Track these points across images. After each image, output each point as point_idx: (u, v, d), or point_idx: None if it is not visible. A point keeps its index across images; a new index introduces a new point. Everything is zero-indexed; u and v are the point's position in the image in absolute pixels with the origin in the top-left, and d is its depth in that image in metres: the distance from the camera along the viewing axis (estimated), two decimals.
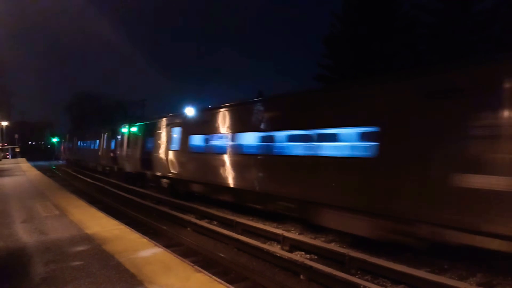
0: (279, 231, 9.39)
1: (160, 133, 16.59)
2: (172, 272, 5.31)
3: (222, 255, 8.40)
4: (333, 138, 8.85)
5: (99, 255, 6.09)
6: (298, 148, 9.45)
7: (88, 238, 7.18)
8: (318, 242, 8.69)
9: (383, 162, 7.19)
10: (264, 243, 9.20)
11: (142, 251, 6.33)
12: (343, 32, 29.11)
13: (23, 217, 9.40)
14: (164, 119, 16.44)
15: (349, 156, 8.13)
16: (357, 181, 7.69)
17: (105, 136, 26.57)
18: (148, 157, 17.76)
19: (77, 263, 5.74)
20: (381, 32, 25.74)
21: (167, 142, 15.76)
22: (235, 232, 10.09)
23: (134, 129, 20.63)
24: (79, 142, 36.94)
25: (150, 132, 17.88)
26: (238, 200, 11.91)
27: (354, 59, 26.77)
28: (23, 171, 25.81)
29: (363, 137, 8.10)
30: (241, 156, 11.40)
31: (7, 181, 19.02)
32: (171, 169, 15.38)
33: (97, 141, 28.76)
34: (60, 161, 48.99)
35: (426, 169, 6.42)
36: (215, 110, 12.89)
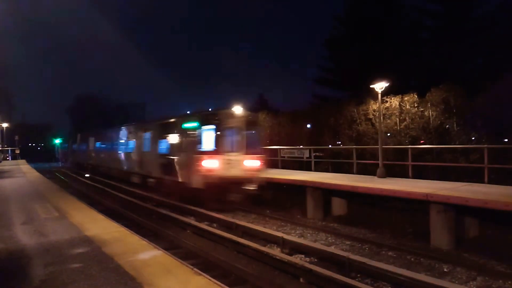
0: (279, 234, 9.38)
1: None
2: (172, 274, 5.30)
3: (222, 257, 8.39)
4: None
5: (99, 258, 6.08)
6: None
7: (87, 240, 7.17)
8: (318, 245, 8.68)
9: None
10: (264, 246, 9.17)
11: (141, 254, 6.31)
12: (344, 34, 29.18)
13: (23, 219, 9.39)
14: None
15: None
16: None
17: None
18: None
19: (77, 265, 5.72)
20: (383, 35, 25.79)
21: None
22: (235, 235, 10.06)
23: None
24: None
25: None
26: None
27: (355, 62, 26.81)
28: (23, 173, 25.82)
29: None
30: None
31: (7, 182, 19.02)
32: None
33: None
34: (61, 164, 49.03)
35: None
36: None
